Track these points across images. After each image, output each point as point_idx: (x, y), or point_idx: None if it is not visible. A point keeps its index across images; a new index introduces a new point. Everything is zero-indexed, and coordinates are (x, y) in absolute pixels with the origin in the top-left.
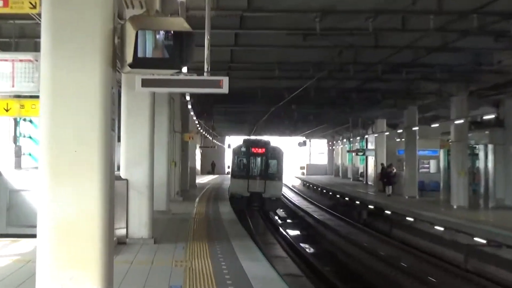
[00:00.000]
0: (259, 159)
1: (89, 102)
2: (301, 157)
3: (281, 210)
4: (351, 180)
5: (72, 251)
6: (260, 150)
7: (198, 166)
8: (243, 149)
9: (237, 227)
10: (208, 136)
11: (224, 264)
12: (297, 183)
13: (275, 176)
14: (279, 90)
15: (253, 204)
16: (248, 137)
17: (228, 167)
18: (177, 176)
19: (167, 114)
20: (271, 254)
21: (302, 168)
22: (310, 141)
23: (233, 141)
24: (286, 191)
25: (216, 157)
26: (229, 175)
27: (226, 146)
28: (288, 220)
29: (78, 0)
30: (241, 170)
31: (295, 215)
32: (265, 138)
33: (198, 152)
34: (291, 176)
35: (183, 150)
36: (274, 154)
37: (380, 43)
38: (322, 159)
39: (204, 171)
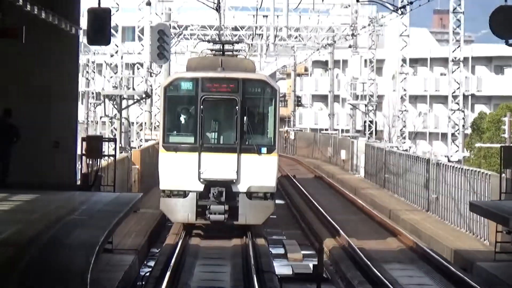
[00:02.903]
0: (222, 109)
1: None
2: None
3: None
4: None
5: None
6: (225, 87)
7: None
8: (187, 85)
9: None
10: None
11: None
12: None
13: (261, 143)
14: None
15: (212, 209)
16: (198, 56)
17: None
18: None
19: None
20: None
21: None
22: None
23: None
24: None
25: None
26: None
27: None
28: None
29: None
30: (184, 134)
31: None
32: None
33: None
34: None
35: None
36: (258, 96)
37: None
38: None
39: None
